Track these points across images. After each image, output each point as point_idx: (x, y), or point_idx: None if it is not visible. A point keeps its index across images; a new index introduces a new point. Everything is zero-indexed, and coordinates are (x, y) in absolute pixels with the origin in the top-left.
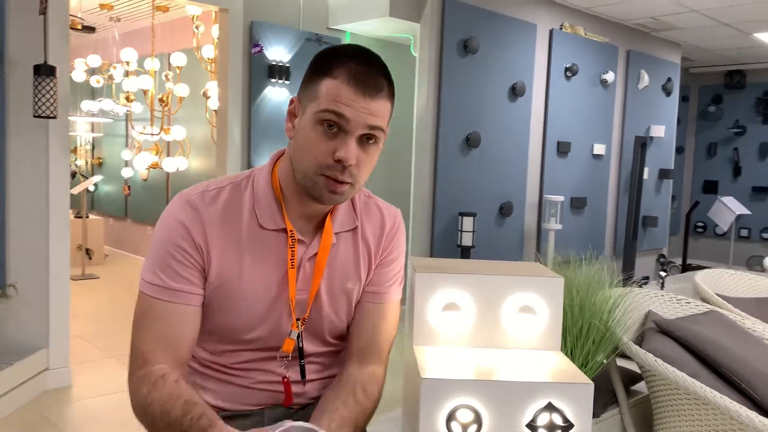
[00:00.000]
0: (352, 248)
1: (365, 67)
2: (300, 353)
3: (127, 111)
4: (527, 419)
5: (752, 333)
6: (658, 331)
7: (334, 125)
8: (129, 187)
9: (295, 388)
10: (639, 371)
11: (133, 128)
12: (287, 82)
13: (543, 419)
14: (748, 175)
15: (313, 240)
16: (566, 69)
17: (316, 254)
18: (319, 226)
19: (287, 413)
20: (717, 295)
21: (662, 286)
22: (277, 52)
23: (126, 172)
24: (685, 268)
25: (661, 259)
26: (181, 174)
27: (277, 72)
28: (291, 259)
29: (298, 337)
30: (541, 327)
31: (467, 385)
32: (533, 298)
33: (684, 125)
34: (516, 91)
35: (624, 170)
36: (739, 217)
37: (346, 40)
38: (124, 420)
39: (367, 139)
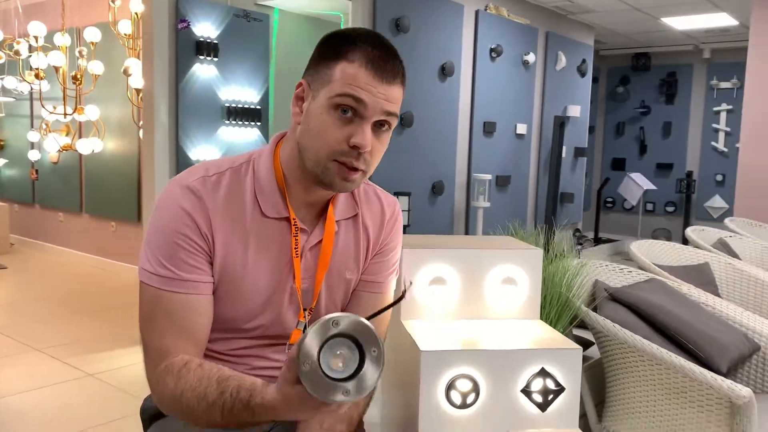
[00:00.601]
0: (353, 237)
1: (382, 52)
2: None
3: (33, 89)
4: (521, 385)
5: (690, 298)
6: (610, 299)
7: (349, 110)
8: (36, 171)
9: None
10: (590, 338)
11: (43, 107)
12: (216, 59)
13: (537, 384)
14: (653, 153)
15: (314, 228)
16: (491, 50)
17: (318, 243)
18: (320, 214)
19: None
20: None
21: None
22: (205, 28)
23: (33, 155)
24: (597, 241)
25: (577, 233)
26: (95, 157)
27: (205, 49)
28: (295, 248)
29: (305, 327)
30: (522, 297)
31: (465, 355)
32: (514, 269)
33: (594, 105)
34: (445, 71)
35: (544, 149)
36: (645, 192)
37: (275, 17)
38: (50, 417)
39: (380, 126)
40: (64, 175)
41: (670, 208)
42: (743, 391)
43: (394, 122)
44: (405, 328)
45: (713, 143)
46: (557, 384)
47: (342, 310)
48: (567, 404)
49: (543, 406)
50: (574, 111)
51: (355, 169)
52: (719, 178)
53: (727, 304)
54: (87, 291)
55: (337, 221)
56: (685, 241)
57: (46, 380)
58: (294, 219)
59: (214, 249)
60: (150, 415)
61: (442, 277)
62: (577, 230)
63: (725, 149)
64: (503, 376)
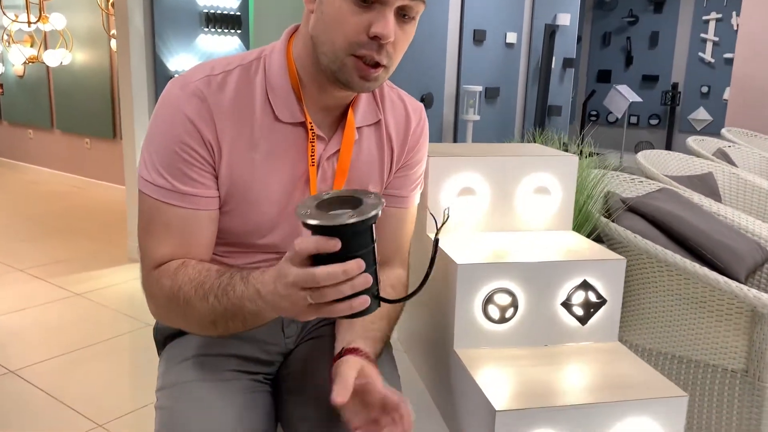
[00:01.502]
0: (376, 146)
1: None
2: None
3: None
4: (562, 298)
5: (702, 207)
6: (626, 210)
7: None
8: (1, 85)
9: None
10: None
11: (4, 14)
12: None
13: (578, 297)
14: (639, 64)
15: (333, 136)
16: None
17: (336, 152)
18: (338, 120)
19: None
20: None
21: None
22: None
23: None
24: (581, 154)
25: (563, 148)
26: (64, 70)
27: None
28: (311, 155)
29: None
30: (555, 207)
31: (504, 268)
32: (548, 178)
33: (581, 15)
34: None
35: (533, 59)
36: (630, 104)
37: None
38: (40, 338)
39: (403, 15)
40: (31, 89)
41: (653, 121)
42: (766, 298)
43: (421, 9)
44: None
45: (700, 54)
46: (599, 296)
47: None
48: (608, 317)
49: (583, 320)
50: (564, 19)
51: (377, 65)
52: (704, 89)
53: (739, 213)
54: (65, 210)
55: (357, 128)
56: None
57: (31, 301)
58: (310, 124)
59: (219, 159)
60: (164, 335)
61: (471, 188)
62: (564, 144)
63: (712, 60)
64: (543, 289)
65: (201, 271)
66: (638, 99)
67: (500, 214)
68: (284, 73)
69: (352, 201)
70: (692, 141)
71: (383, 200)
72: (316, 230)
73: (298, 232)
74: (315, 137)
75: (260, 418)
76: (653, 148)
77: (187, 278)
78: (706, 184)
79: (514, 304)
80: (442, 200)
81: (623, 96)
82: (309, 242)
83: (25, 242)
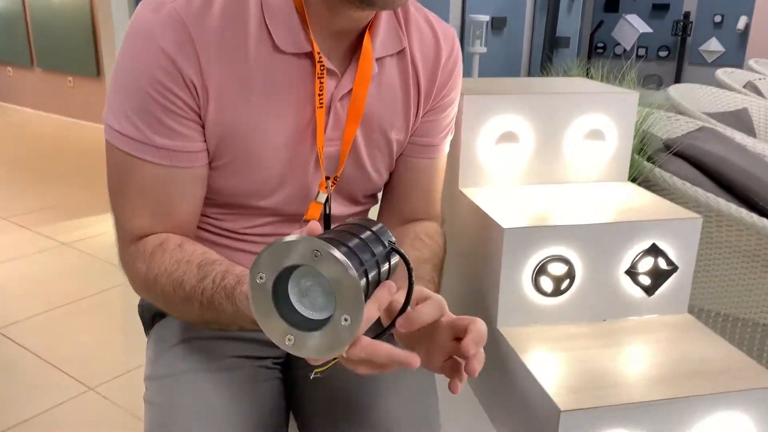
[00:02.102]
0: (400, 82)
1: None
2: (326, 220)
3: None
4: (626, 266)
5: (748, 148)
6: (666, 152)
7: None
8: None
9: None
10: None
11: None
12: None
13: (645, 264)
14: None
15: (346, 70)
16: None
17: (350, 91)
18: (352, 50)
19: None
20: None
21: None
22: None
23: None
24: None
25: None
26: (41, 2)
27: None
28: (320, 95)
29: (326, 201)
30: (609, 155)
31: (559, 232)
32: (602, 119)
33: None
34: None
35: None
36: (640, 36)
37: None
38: (28, 289)
39: None
40: (7, 24)
41: (663, 53)
42: None
43: None
44: (468, 197)
45: None
46: (669, 263)
47: (386, 178)
48: (678, 286)
49: (650, 290)
50: None
51: None
52: (717, 19)
53: None
54: (50, 153)
55: (377, 59)
56: None
57: (17, 251)
58: (319, 54)
59: (206, 104)
60: (152, 313)
61: (513, 133)
62: (605, 78)
63: None
64: (604, 255)
65: (180, 263)
66: (649, 30)
67: (544, 163)
68: None
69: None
70: (722, 73)
71: (360, 325)
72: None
73: (304, 193)
74: (324, 71)
75: (270, 413)
76: (662, 82)
77: (163, 268)
78: (741, 121)
79: (570, 275)
80: (479, 148)
81: (633, 27)
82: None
83: (7, 188)
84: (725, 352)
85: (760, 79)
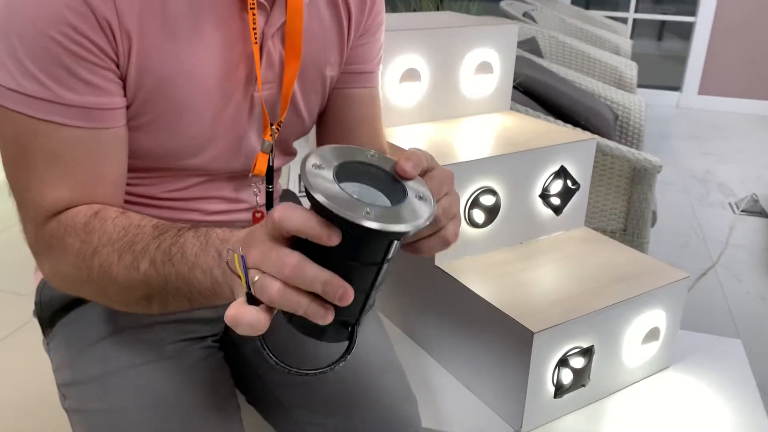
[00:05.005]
0: (329, 11)
1: None
2: (269, 173)
3: None
4: (539, 190)
5: (557, 73)
6: None
7: None
8: None
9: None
10: None
11: None
12: None
13: (556, 186)
14: None
15: (275, 4)
16: None
17: (282, 26)
18: None
19: None
20: None
21: None
22: None
23: None
24: None
25: None
26: None
27: None
28: (254, 29)
29: (271, 149)
30: (494, 86)
31: (483, 165)
32: (489, 53)
33: None
34: None
35: None
36: None
37: None
38: None
39: None
40: None
41: None
42: (655, 159)
43: None
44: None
45: None
46: (574, 182)
47: (327, 119)
48: (579, 203)
49: (558, 209)
50: None
51: None
52: None
53: (582, 76)
54: None
55: None
56: None
57: None
58: None
59: (128, 49)
60: (53, 309)
61: (416, 70)
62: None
63: None
64: (521, 181)
65: (128, 228)
66: None
67: (443, 99)
68: None
69: (391, 186)
70: (506, 5)
71: (436, 209)
72: (318, 207)
73: (235, 146)
74: (256, 3)
75: (221, 394)
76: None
77: (106, 237)
78: (533, 48)
79: (497, 204)
80: (387, 87)
81: None
82: (294, 216)
83: None
84: (632, 256)
85: (533, 9)
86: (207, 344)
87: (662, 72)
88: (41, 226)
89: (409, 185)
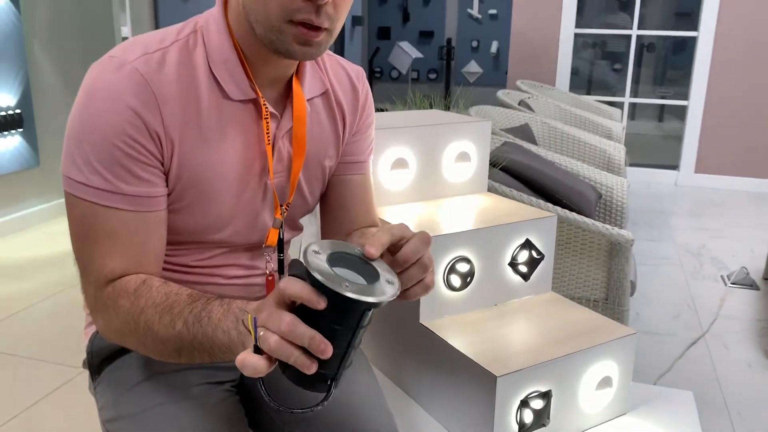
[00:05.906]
0: (328, 117)
1: None
2: (280, 245)
3: None
4: (508, 259)
5: (544, 157)
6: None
7: None
8: None
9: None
10: None
11: None
12: None
13: (522, 256)
14: (416, 21)
15: (284, 112)
16: None
17: (289, 130)
18: (285, 95)
19: None
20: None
21: None
22: None
23: None
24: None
25: None
26: None
27: None
28: (267, 133)
29: (281, 225)
30: (472, 172)
31: (461, 237)
32: (467, 144)
33: None
34: None
35: None
36: (414, 60)
37: None
38: None
39: None
40: None
41: (432, 75)
42: (628, 234)
43: None
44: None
45: (468, 10)
46: (539, 253)
47: (327, 200)
48: (545, 271)
49: (526, 276)
50: None
51: (317, 29)
52: (474, 44)
53: (569, 159)
54: None
55: (307, 100)
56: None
57: None
58: (263, 99)
59: (171, 152)
60: (101, 358)
61: (404, 159)
62: (430, 104)
63: (479, 16)
64: (493, 252)
65: (168, 294)
66: (420, 55)
67: (428, 183)
68: (228, 45)
69: (369, 271)
70: (502, 94)
71: (399, 289)
72: (312, 280)
73: (253, 223)
74: (268, 113)
75: (238, 430)
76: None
77: (151, 301)
78: (526, 134)
79: (471, 271)
80: (380, 173)
81: (406, 52)
82: (295, 286)
83: None
84: (588, 316)
85: (529, 97)
86: (226, 388)
87: (662, 152)
88: (100, 289)
89: (382, 272)
